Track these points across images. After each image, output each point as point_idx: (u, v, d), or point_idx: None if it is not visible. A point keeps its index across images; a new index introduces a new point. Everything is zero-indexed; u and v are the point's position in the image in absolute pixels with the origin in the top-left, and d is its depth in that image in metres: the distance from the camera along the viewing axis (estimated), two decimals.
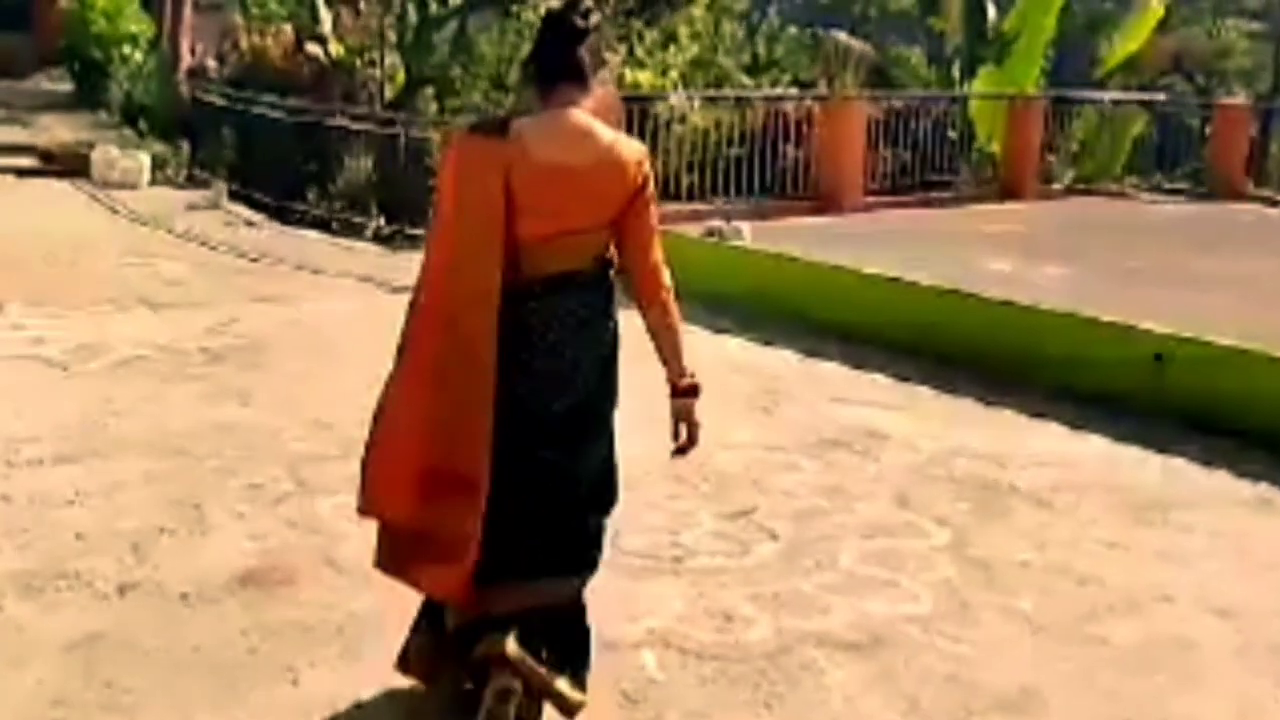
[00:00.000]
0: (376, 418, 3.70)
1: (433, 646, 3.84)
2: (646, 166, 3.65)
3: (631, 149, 3.65)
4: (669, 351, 3.71)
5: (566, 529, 3.71)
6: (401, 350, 3.68)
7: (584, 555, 3.78)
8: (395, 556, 3.74)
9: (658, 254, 3.70)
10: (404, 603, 3.90)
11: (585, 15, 3.61)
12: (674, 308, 3.72)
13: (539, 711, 3.74)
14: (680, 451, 3.76)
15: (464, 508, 3.53)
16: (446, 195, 3.68)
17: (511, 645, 3.55)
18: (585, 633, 3.84)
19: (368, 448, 3.72)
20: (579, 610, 3.81)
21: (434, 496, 3.58)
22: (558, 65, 3.60)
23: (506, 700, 3.56)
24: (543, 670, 3.64)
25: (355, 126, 15.71)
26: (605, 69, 3.71)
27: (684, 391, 3.71)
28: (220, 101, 17.07)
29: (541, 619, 3.65)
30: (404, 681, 4.00)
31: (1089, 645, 4.69)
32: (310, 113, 15.79)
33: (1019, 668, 4.49)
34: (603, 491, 3.80)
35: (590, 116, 3.60)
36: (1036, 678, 4.42)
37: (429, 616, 3.85)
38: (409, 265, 10.58)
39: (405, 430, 3.62)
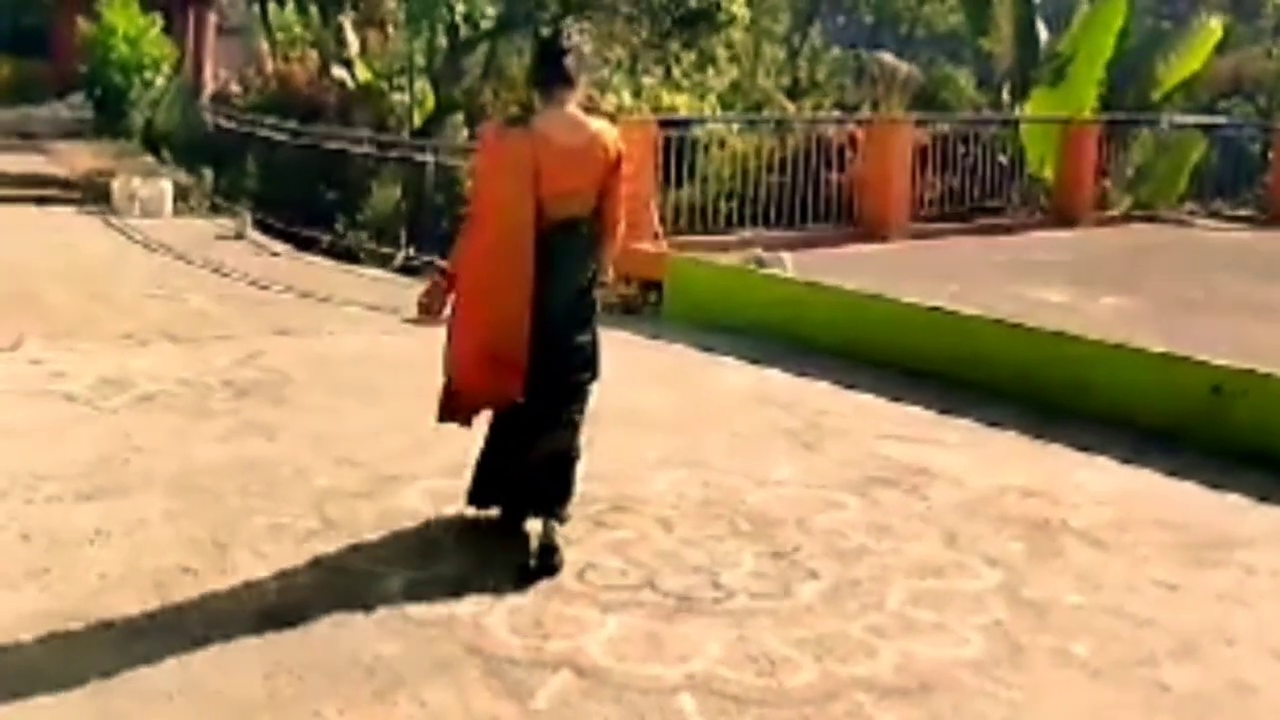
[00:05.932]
0: (449, 326, 5.33)
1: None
2: (621, 145, 5.32)
3: (611, 133, 5.32)
4: (605, 263, 5.46)
5: (566, 384, 5.31)
6: (461, 279, 5.30)
7: (574, 404, 5.39)
8: (459, 408, 5.43)
9: (621, 209, 5.41)
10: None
11: (569, 37, 5.35)
12: (619, 242, 5.49)
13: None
14: None
15: (513, 378, 5.18)
16: (484, 172, 5.45)
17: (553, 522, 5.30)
18: (572, 476, 5.41)
19: (448, 340, 5.31)
20: (574, 456, 5.40)
21: (493, 374, 5.22)
22: (551, 73, 5.24)
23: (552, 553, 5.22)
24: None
25: (383, 154, 15.65)
26: (589, 74, 5.43)
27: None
28: (243, 128, 17.03)
29: (550, 470, 5.30)
30: None
31: (1147, 691, 4.53)
32: (336, 139, 15.71)
33: (1074, 714, 4.35)
34: (589, 357, 5.38)
35: (581, 112, 5.27)
36: None
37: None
38: None
39: (470, 331, 5.25)
